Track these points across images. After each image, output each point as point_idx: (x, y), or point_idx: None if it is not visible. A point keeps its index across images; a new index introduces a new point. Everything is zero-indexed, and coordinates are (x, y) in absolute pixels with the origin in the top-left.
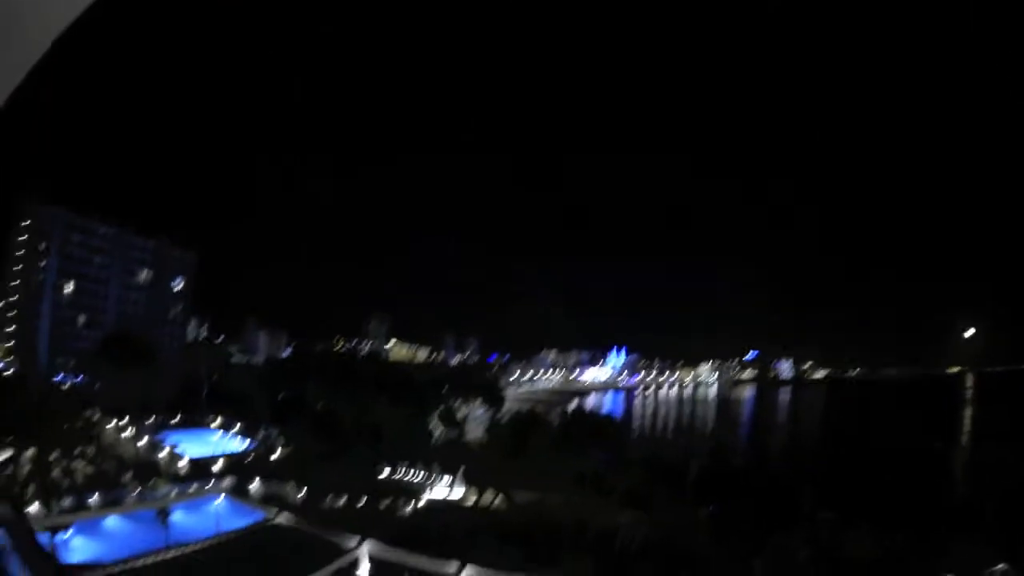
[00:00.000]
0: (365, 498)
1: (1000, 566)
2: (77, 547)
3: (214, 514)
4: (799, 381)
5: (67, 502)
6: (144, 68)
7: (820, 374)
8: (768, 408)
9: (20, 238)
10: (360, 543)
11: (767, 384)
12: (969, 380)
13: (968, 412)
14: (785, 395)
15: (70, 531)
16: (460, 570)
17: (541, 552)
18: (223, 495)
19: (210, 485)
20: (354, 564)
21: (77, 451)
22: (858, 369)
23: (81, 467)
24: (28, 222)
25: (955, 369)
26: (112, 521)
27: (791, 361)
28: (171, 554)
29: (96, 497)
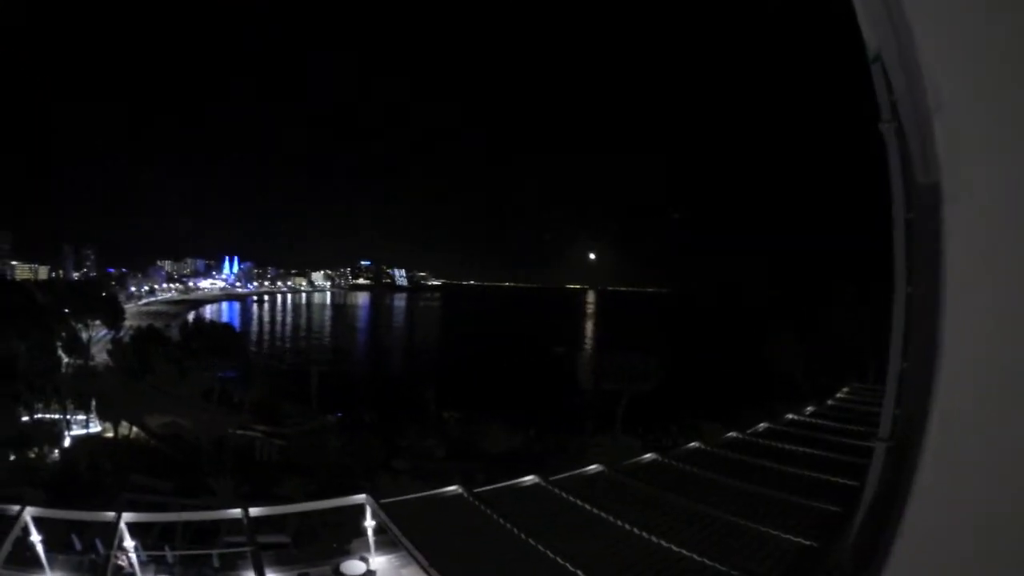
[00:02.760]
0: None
1: (649, 455)
2: None
3: None
4: (415, 287)
5: None
6: None
7: (435, 282)
8: (385, 312)
9: None
10: (23, 508)
11: (382, 288)
12: (590, 296)
13: (590, 323)
14: (401, 300)
15: None
16: (117, 520)
17: (188, 480)
18: None
19: None
20: (26, 530)
21: None
22: (473, 281)
23: None
24: None
25: (576, 286)
26: None
27: (404, 270)
28: None
29: None
